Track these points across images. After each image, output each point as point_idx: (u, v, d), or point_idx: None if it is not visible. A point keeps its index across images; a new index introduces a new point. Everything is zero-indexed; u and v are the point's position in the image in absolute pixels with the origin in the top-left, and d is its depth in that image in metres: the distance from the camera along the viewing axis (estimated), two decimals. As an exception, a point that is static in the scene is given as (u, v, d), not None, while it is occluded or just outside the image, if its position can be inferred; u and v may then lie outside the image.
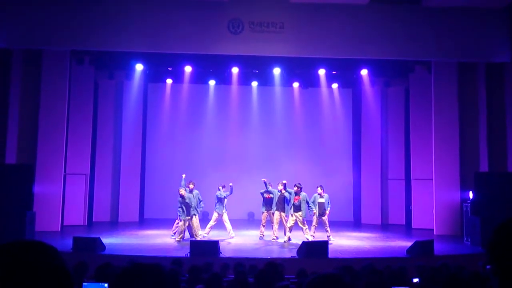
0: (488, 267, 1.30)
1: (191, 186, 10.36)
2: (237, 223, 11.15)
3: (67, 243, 8.73)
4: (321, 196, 10.46)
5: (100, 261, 5.70)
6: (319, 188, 10.54)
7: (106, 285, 4.39)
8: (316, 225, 10.44)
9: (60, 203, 11.93)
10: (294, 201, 10.26)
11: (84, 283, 4.51)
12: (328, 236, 10.31)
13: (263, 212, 10.67)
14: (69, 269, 1.09)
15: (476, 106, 12.33)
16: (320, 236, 10.46)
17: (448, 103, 12.36)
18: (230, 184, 10.61)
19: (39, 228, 10.58)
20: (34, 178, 11.04)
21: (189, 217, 10.01)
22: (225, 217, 10.52)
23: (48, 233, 10.63)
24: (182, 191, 10.04)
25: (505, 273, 1.25)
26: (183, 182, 10.47)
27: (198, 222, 10.14)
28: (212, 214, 10.68)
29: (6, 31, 10.51)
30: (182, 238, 10.09)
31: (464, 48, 11.18)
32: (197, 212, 10.19)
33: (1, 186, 9.87)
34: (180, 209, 10.00)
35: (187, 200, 9.97)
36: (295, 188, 10.33)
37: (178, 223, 10.26)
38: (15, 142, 11.48)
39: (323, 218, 10.39)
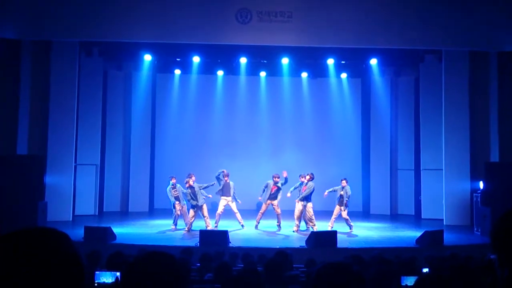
0: (492, 256, 1.30)
1: (193, 178, 10.48)
2: (245, 213, 11.21)
3: (79, 233, 8.84)
4: (342, 189, 10.41)
5: (111, 250, 5.77)
6: (343, 181, 10.48)
7: (118, 273, 4.45)
8: (336, 216, 10.42)
9: (71, 193, 12.07)
10: (302, 191, 10.32)
11: (96, 272, 4.57)
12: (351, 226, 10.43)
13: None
14: (82, 257, 1.10)
15: (487, 95, 12.18)
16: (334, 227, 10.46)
17: (458, 92, 12.23)
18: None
19: (50, 218, 10.74)
20: (45, 169, 11.17)
21: (196, 202, 10.16)
22: (234, 207, 10.59)
23: (59, 223, 10.76)
24: (191, 182, 10.18)
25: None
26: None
27: (193, 213, 10.25)
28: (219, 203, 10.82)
29: (15, 23, 10.57)
30: (176, 224, 10.52)
31: (475, 37, 11.03)
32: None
33: (13, 176, 10.01)
34: (190, 199, 10.16)
35: (196, 190, 10.13)
36: (307, 177, 10.37)
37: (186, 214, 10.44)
38: (26, 133, 11.60)
39: (342, 213, 10.36)
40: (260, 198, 10.71)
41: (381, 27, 10.82)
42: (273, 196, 10.50)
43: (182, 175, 12.48)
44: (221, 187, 10.51)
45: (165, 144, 14.80)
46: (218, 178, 10.57)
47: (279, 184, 10.54)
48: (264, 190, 10.65)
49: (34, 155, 11.14)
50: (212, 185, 10.54)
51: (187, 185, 10.23)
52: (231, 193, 10.54)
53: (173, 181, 10.59)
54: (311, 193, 10.33)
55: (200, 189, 10.26)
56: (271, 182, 10.60)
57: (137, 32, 10.87)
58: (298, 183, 10.58)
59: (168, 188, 10.62)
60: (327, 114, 14.95)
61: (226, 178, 10.53)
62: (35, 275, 0.97)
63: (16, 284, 0.96)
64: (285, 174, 10.61)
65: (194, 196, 10.15)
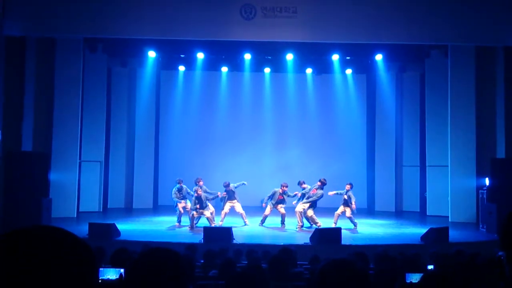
0: (500, 253, 1.29)
1: (201, 183, 10.50)
2: (250, 210, 11.22)
3: (83, 229, 8.87)
4: (346, 193, 10.47)
5: (115, 246, 5.78)
6: (347, 186, 10.52)
7: (122, 270, 4.45)
8: (339, 214, 10.41)
9: (76, 190, 12.11)
10: (310, 193, 10.40)
11: (100, 269, 4.58)
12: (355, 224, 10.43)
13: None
14: (91, 259, 1.07)
15: (494, 91, 12.08)
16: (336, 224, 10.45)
17: (464, 88, 12.14)
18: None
19: (55, 214, 10.79)
20: (49, 166, 11.21)
21: (202, 210, 10.20)
22: (240, 209, 10.61)
23: (64, 220, 10.82)
24: (200, 191, 10.21)
25: None
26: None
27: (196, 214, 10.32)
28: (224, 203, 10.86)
29: (19, 19, 10.57)
30: (180, 222, 10.65)
31: (481, 32, 10.91)
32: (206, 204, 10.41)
33: (18, 173, 10.05)
34: (195, 204, 10.20)
35: (203, 199, 10.19)
36: (318, 183, 10.44)
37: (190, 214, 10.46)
38: (30, 130, 11.63)
39: (346, 213, 10.39)
40: (264, 204, 10.68)
41: (386, 22, 10.73)
42: (279, 202, 10.54)
43: (186, 172, 12.52)
44: (225, 196, 10.63)
45: (169, 141, 14.82)
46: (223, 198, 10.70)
47: (285, 195, 10.55)
48: (270, 198, 10.61)
49: (38, 152, 11.18)
50: (217, 196, 10.60)
51: (195, 194, 10.24)
52: (235, 195, 10.59)
53: (180, 184, 10.61)
54: (317, 200, 10.34)
55: (206, 199, 10.25)
56: (278, 190, 10.57)
57: (141, 29, 10.85)
58: (301, 192, 10.61)
59: (173, 190, 10.65)
60: (332, 111, 14.90)
61: (227, 188, 10.59)
62: (37, 275, 0.95)
63: (19, 284, 0.94)
64: (297, 193, 10.62)
65: (199, 203, 10.18)
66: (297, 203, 10.59)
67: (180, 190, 10.60)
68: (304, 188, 10.64)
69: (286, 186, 10.58)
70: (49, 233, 1.02)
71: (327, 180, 10.63)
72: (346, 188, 10.50)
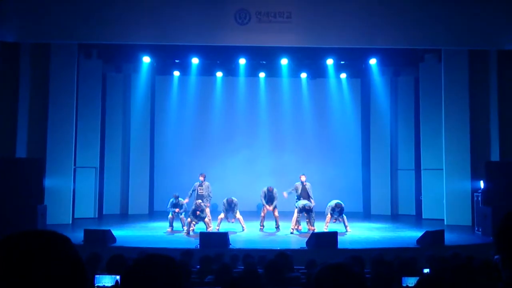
0: (496, 257, 1.29)
1: (201, 178, 10.47)
2: (245, 215, 11.20)
3: (78, 236, 8.81)
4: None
5: (111, 253, 5.74)
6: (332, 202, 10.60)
7: (118, 277, 4.41)
8: (328, 222, 10.47)
9: (71, 196, 12.05)
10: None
11: (96, 275, 4.54)
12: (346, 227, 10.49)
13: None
14: (83, 260, 1.08)
15: (487, 94, 12.16)
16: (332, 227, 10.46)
17: (458, 91, 12.22)
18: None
19: (50, 221, 10.71)
20: (44, 172, 11.13)
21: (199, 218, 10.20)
22: (237, 214, 10.60)
23: (59, 226, 10.74)
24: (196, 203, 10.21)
25: None
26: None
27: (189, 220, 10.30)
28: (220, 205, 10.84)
29: (13, 25, 10.55)
30: (172, 227, 10.57)
31: (475, 36, 11.00)
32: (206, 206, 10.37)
33: (12, 180, 9.98)
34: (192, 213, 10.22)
35: (198, 210, 10.17)
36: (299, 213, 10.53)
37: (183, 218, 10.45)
38: (25, 136, 11.58)
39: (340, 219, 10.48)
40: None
41: (380, 27, 10.80)
42: (267, 201, 10.60)
43: (181, 177, 12.46)
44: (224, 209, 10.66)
45: (165, 146, 14.80)
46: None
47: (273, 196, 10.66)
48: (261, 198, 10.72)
49: (33, 158, 11.11)
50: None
51: (193, 207, 10.21)
52: (233, 212, 10.60)
53: (177, 199, 10.59)
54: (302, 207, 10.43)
55: (203, 211, 10.18)
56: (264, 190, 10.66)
57: (136, 34, 10.86)
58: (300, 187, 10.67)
59: (170, 201, 10.62)
60: (327, 115, 14.95)
61: (232, 204, 10.60)
62: (35, 278, 0.95)
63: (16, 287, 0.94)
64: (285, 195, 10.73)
65: (194, 215, 10.16)
66: (298, 198, 10.54)
67: (175, 204, 10.59)
68: (303, 182, 10.59)
69: (271, 190, 10.65)
70: (42, 238, 1.02)
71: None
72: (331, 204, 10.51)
